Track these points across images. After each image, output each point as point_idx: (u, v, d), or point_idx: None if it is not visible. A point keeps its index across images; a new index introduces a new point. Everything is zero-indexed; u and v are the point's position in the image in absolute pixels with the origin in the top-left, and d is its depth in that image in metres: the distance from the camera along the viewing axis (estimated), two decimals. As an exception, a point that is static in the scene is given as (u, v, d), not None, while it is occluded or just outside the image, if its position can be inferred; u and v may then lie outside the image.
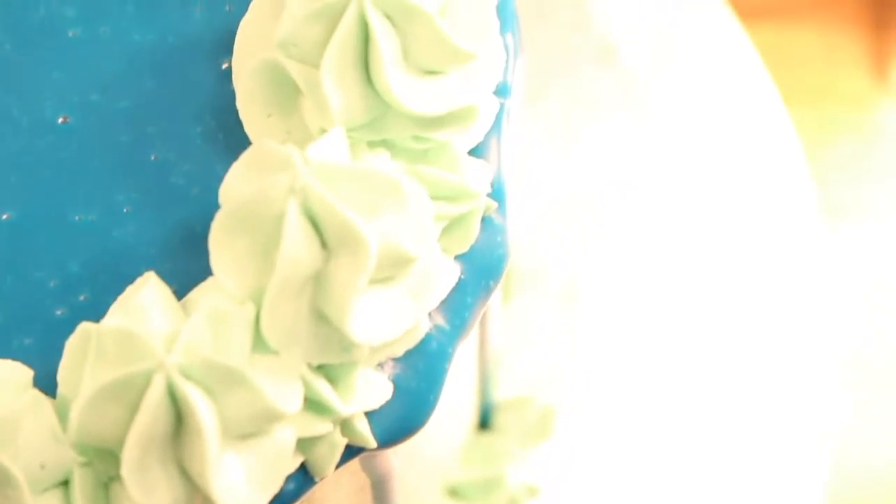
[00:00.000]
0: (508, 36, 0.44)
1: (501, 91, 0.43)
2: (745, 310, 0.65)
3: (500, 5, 0.44)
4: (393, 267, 0.39)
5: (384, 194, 0.38)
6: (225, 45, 0.43)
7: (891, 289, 0.71)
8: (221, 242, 0.38)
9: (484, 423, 0.59)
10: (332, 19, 0.40)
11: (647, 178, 0.66)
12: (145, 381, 0.37)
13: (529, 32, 0.66)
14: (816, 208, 0.66)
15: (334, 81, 0.40)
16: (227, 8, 0.44)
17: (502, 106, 0.43)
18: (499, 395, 0.59)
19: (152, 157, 0.42)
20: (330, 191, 0.38)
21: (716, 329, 0.64)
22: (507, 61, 0.43)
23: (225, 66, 0.43)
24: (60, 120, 0.43)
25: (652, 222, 0.65)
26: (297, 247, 0.38)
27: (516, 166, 0.64)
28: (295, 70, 0.40)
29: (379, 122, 0.40)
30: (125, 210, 0.42)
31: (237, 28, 0.43)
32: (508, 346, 0.59)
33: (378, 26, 0.39)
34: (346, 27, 0.39)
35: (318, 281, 0.38)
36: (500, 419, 0.59)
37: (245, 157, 0.39)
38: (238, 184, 0.39)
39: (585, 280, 0.62)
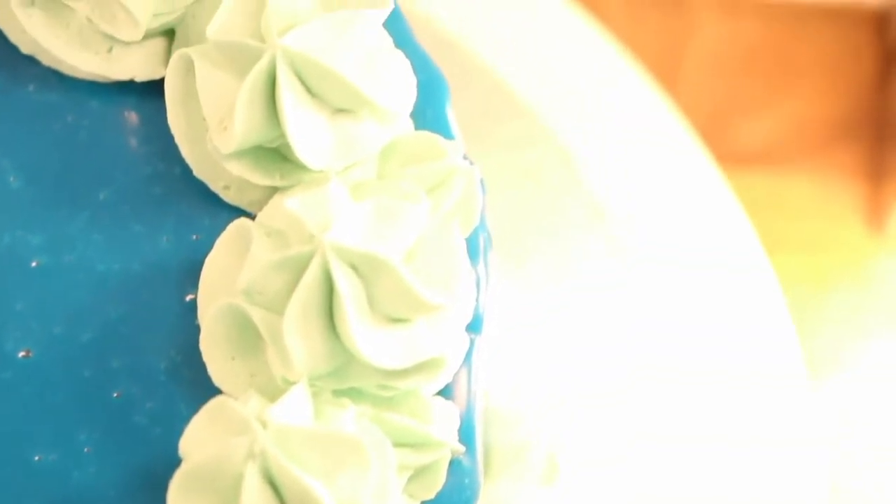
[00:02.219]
0: (480, 266, 0.43)
1: (473, 326, 0.42)
2: (729, 467, 0.64)
3: (471, 236, 0.43)
4: (354, 528, 0.38)
5: (345, 456, 0.38)
6: (191, 275, 0.42)
7: (879, 445, 0.70)
8: (180, 501, 0.38)
9: None
10: (297, 270, 0.39)
11: (631, 339, 0.65)
12: None
13: (518, 192, 0.66)
14: (801, 362, 0.65)
15: (297, 333, 0.39)
16: (194, 237, 0.43)
17: (473, 341, 0.42)
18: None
19: (115, 395, 0.41)
20: (288, 455, 0.37)
21: (701, 492, 0.63)
22: (478, 294, 0.43)
23: (190, 297, 0.42)
24: (22, 354, 0.42)
25: (635, 384, 0.64)
26: (256, 510, 0.37)
27: (501, 333, 0.64)
28: (258, 316, 0.40)
29: (343, 372, 0.40)
30: (86, 450, 0.41)
31: (204, 257, 0.42)
32: (488, 532, 0.58)
33: (342, 279, 0.39)
34: (311, 278, 0.39)
35: (277, 543, 0.38)
36: None
37: (206, 412, 0.38)
38: (198, 440, 0.38)
39: (567, 455, 0.61)
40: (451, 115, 0.46)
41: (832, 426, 0.71)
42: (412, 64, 0.43)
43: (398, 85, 0.42)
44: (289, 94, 0.40)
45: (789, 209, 0.73)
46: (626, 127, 0.67)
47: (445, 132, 0.45)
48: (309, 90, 0.41)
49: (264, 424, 0.37)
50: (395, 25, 0.44)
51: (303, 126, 0.41)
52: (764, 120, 0.75)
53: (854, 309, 0.72)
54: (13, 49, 0.44)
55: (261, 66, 0.40)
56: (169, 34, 0.44)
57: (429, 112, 0.45)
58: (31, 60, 0.44)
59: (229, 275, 0.41)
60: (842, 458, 0.72)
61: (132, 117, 0.44)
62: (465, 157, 0.43)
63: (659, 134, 0.67)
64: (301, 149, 0.40)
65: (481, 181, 0.43)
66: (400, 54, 0.43)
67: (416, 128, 0.44)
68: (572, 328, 0.64)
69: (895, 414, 0.71)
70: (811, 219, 0.73)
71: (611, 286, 0.65)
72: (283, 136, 0.41)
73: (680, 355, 0.64)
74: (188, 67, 0.42)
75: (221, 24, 0.41)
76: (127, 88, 0.44)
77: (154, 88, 0.44)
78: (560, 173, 0.66)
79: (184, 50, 0.42)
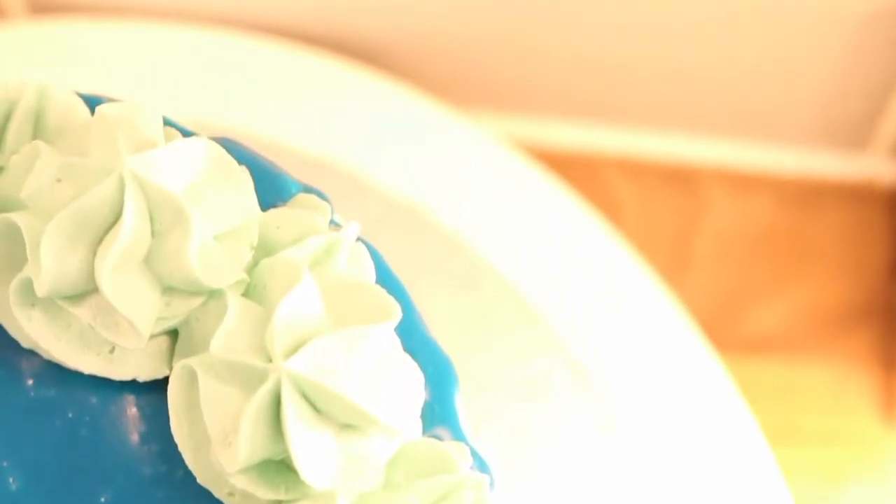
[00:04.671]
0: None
1: None
2: None
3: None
4: None
5: None
6: None
7: None
8: None
9: None
10: None
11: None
12: None
13: (526, 404, 0.65)
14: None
15: None
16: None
17: None
18: None
19: None
20: None
21: None
22: None
23: None
24: None
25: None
26: None
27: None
28: None
29: None
30: None
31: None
32: None
33: None
34: None
35: None
36: None
37: None
38: None
39: None
40: (461, 406, 0.45)
41: None
42: (420, 358, 0.43)
43: (406, 399, 0.41)
44: (294, 415, 0.39)
45: (802, 399, 0.72)
46: (635, 333, 0.66)
47: (454, 429, 0.44)
48: (315, 408, 0.40)
49: None
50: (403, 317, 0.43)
51: (308, 446, 0.40)
52: (776, 305, 0.74)
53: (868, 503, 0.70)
54: (12, 341, 0.43)
55: (266, 388, 0.39)
56: (172, 333, 0.43)
57: (437, 408, 0.44)
58: (30, 353, 0.43)
59: None
60: None
61: (134, 415, 0.43)
62: (474, 463, 0.42)
63: (668, 339, 0.67)
64: (307, 471, 0.39)
65: (490, 482, 0.42)
66: (407, 360, 0.42)
67: (425, 426, 0.43)
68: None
69: None
70: (824, 409, 0.72)
71: (621, 499, 0.64)
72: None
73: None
74: (191, 377, 0.41)
75: (226, 339, 0.40)
76: (129, 384, 0.43)
77: (157, 384, 0.43)
78: (569, 383, 0.65)
79: (187, 362, 0.41)
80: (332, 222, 0.45)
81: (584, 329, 0.65)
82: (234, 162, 0.43)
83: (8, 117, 0.44)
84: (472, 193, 0.68)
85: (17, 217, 0.42)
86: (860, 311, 0.74)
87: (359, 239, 0.44)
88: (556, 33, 0.72)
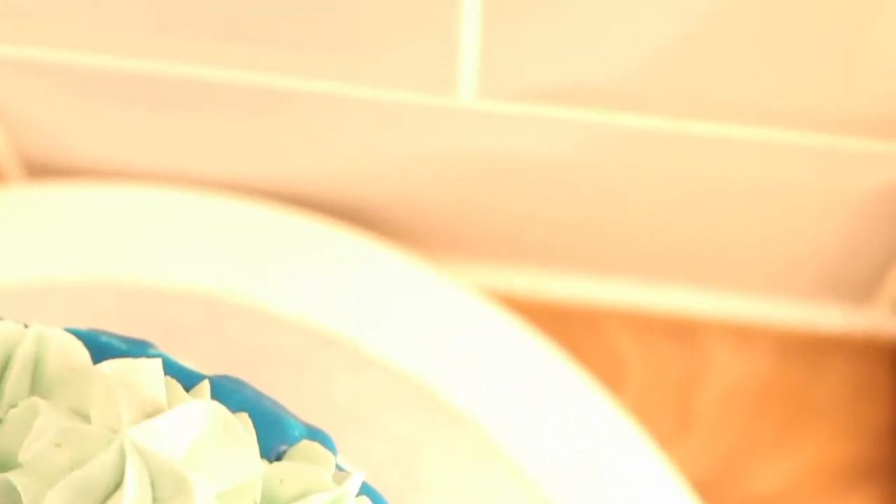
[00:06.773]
0: None
1: None
2: None
3: None
4: None
5: None
6: None
7: None
8: None
9: None
10: None
11: None
12: None
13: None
14: None
15: None
16: None
17: None
18: None
19: None
20: None
21: None
22: None
23: None
24: None
25: None
26: None
27: None
28: None
29: None
30: None
31: None
32: None
33: None
34: None
35: None
36: None
37: None
38: None
39: None
40: None
41: None
42: None
43: None
44: None
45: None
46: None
47: None
48: None
49: None
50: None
51: None
52: (778, 463, 0.73)
53: None
54: None
55: None
56: None
57: None
58: None
59: None
60: None
61: None
62: None
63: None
64: None
65: None
66: None
67: None
68: None
69: None
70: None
71: None
72: None
73: None
74: None
75: None
76: None
77: None
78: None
79: None
80: (337, 467, 0.44)
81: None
82: (235, 420, 0.42)
83: (6, 367, 0.43)
84: (474, 364, 0.68)
85: (14, 477, 0.41)
86: (864, 469, 0.73)
87: (362, 490, 0.43)
88: (553, 189, 0.72)
